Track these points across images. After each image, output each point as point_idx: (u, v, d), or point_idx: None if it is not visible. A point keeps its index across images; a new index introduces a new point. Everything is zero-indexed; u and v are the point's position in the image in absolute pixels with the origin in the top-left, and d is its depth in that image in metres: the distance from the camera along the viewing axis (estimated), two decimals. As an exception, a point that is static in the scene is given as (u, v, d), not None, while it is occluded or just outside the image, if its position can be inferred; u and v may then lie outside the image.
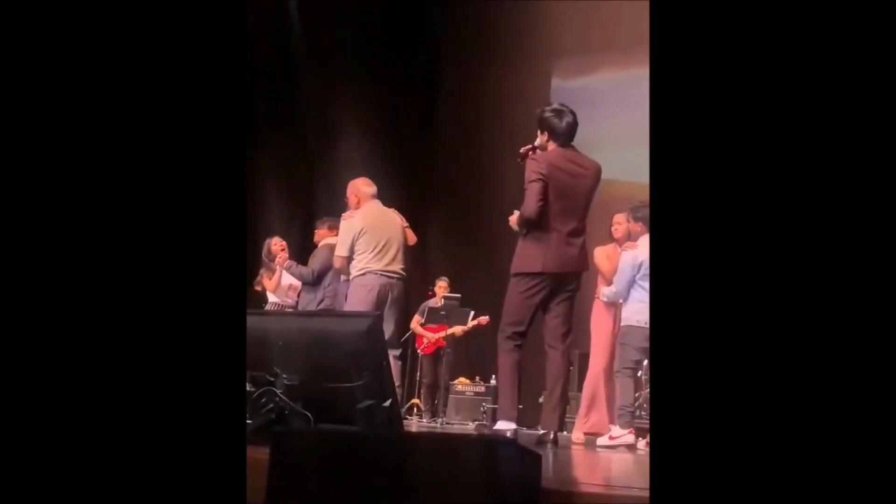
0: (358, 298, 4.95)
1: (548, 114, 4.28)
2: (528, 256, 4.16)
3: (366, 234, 5.02)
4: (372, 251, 5.01)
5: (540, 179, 4.10)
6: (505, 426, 4.06)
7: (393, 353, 5.17)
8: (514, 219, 4.22)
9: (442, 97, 9.61)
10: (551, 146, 4.25)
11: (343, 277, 5.48)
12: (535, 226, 4.13)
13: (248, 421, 2.99)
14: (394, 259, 5.06)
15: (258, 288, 7.29)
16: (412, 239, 5.26)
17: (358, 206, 5.18)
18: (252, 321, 3.58)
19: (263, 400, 2.94)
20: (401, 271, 5.13)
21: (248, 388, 3.10)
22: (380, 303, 4.97)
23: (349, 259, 5.06)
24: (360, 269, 5.01)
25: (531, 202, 4.10)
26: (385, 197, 5.48)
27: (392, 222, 5.16)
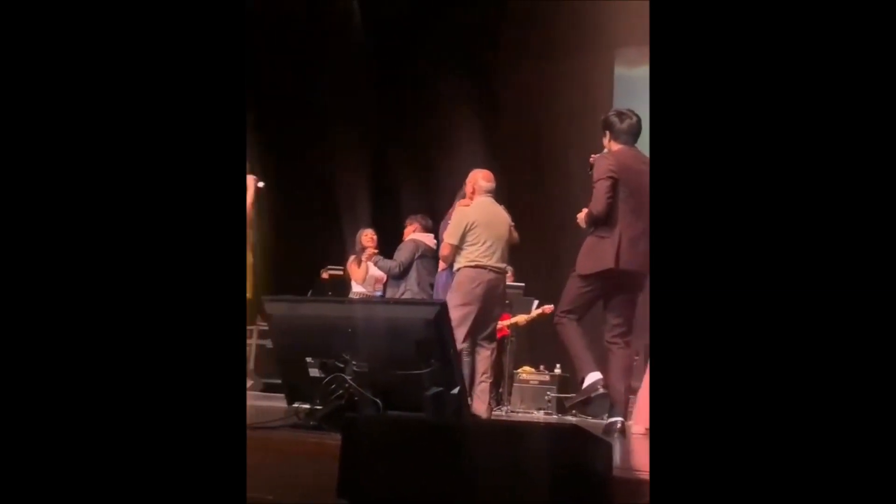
0: (464, 290, 4.97)
1: (612, 116, 4.30)
2: (595, 255, 4.13)
3: (477, 227, 5.04)
4: (483, 245, 5.03)
5: (610, 177, 4.07)
6: (594, 377, 4.03)
7: (490, 347, 5.20)
8: (582, 216, 4.20)
9: (507, 90, 9.58)
10: (615, 146, 4.23)
11: (441, 266, 5.48)
12: (603, 224, 4.10)
13: (317, 407, 3.04)
14: (501, 256, 5.08)
15: (325, 276, 7.40)
16: (516, 238, 5.29)
17: (473, 197, 5.19)
18: (322, 308, 3.64)
19: (333, 386, 2.98)
20: (505, 268, 5.17)
21: (317, 375, 3.15)
22: (486, 298, 5.00)
23: (457, 248, 5.07)
24: (470, 262, 5.02)
25: (600, 200, 4.07)
26: (453, 190, 5.49)
27: (502, 219, 5.18)
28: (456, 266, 5.12)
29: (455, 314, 4.77)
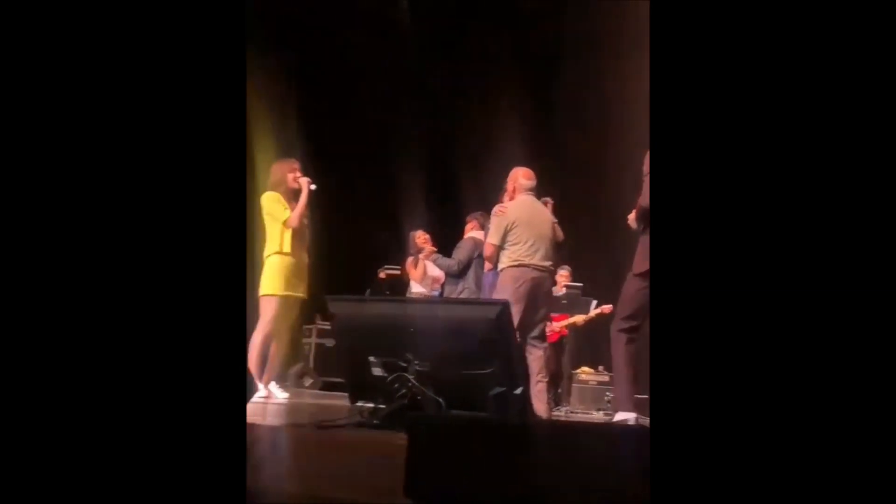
0: (508, 290, 4.91)
1: None
2: (649, 255, 4.07)
3: (518, 226, 5.00)
4: (525, 243, 4.99)
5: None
6: (624, 416, 3.99)
7: (542, 346, 5.17)
8: (632, 216, 4.14)
9: (563, 90, 9.52)
10: None
11: (487, 266, 5.48)
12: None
13: (381, 406, 3.06)
14: (545, 254, 5.05)
15: (382, 276, 7.44)
16: (560, 235, 5.25)
17: (513, 195, 5.18)
18: (384, 308, 3.66)
19: (396, 385, 2.99)
20: (550, 267, 5.13)
21: (380, 374, 3.16)
22: (530, 296, 4.96)
23: (500, 248, 5.06)
24: (513, 261, 4.98)
25: (648, 196, 4.01)
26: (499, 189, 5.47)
27: (544, 217, 5.14)
28: (500, 266, 5.08)
29: None
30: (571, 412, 7.49)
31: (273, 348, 5.05)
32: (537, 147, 7.76)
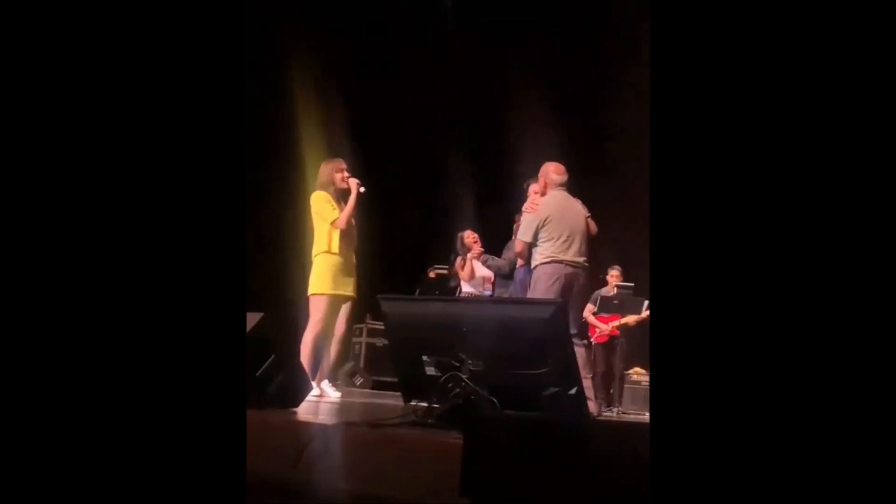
0: (543, 287, 4.89)
1: None
2: None
3: (550, 222, 4.95)
4: (557, 240, 4.94)
5: None
6: None
7: (582, 343, 5.14)
8: None
9: (609, 87, 9.44)
10: None
11: (519, 263, 5.46)
12: None
13: (434, 405, 3.05)
14: (578, 249, 5.00)
15: (432, 275, 7.46)
16: (594, 229, 5.19)
17: (545, 191, 5.14)
18: (436, 307, 3.65)
19: (450, 385, 2.98)
20: (584, 262, 5.07)
21: (433, 373, 3.16)
22: (564, 292, 4.91)
23: (531, 245, 5.02)
24: (546, 258, 4.94)
25: None
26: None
27: (576, 212, 5.09)
28: (533, 263, 5.02)
29: None
30: (623, 413, 7.42)
31: (325, 347, 5.10)
32: (581, 144, 7.72)
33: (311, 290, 5.06)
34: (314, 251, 5.15)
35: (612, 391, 7.67)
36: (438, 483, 2.12)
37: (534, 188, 5.38)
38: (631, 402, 7.71)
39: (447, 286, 7.02)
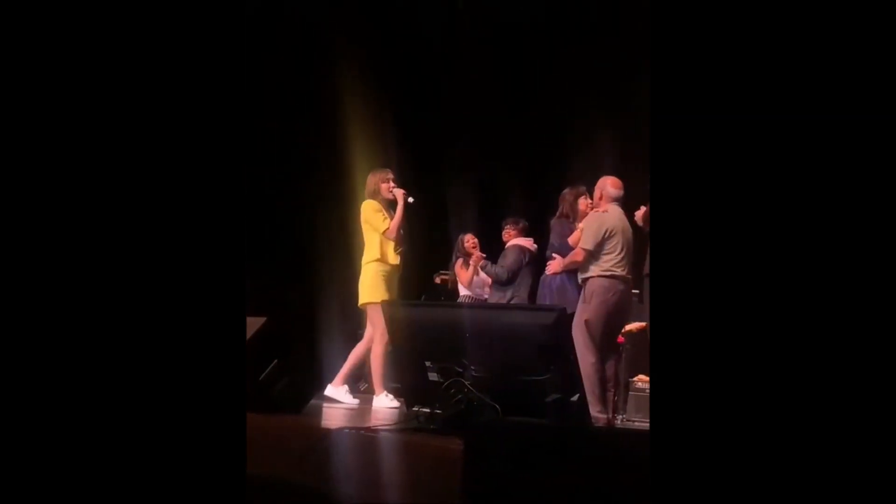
0: (600, 300, 4.80)
1: None
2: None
3: (616, 235, 4.86)
4: (620, 253, 4.85)
5: None
6: None
7: (614, 357, 5.12)
8: (639, 214, 4.08)
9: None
10: None
11: (552, 269, 5.31)
12: None
13: (437, 411, 3.06)
14: (631, 267, 4.94)
15: (437, 280, 7.45)
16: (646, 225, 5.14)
17: (600, 205, 5.02)
18: (439, 313, 3.66)
19: (452, 391, 2.99)
20: (630, 279, 5.04)
21: (436, 379, 3.17)
22: (617, 307, 4.88)
23: (592, 254, 4.89)
24: (605, 271, 4.85)
25: None
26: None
27: (629, 228, 5.00)
28: (585, 274, 4.93)
29: (589, 327, 4.66)
30: (627, 420, 7.40)
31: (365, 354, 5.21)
32: (577, 150, 7.71)
33: (365, 298, 5.14)
34: (364, 259, 5.23)
35: (616, 398, 7.64)
36: (440, 488, 2.13)
37: (585, 201, 5.34)
38: (635, 409, 7.68)
39: (451, 291, 7.01)
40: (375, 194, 5.24)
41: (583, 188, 5.49)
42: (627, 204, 5.12)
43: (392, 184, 5.27)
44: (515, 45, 8.80)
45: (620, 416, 7.39)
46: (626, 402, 7.62)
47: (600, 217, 4.92)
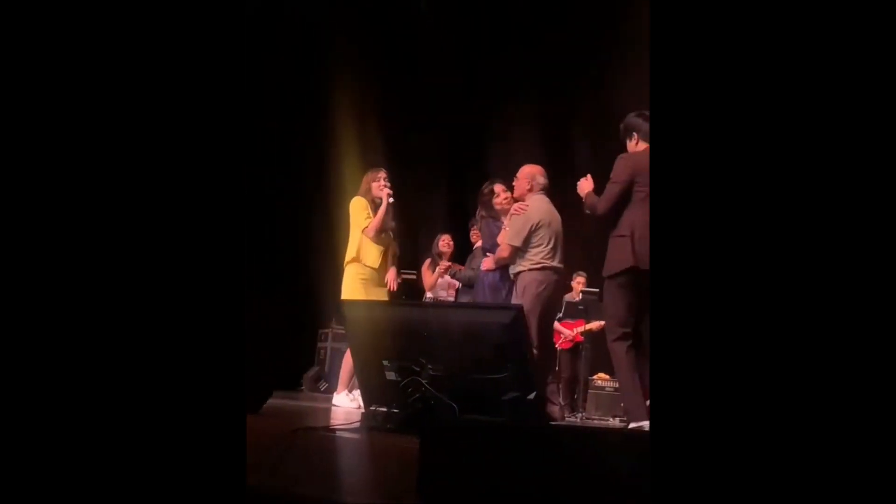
0: (532, 293, 4.82)
1: (635, 118, 4.12)
2: (615, 256, 4.04)
3: (542, 227, 4.89)
4: (548, 245, 4.89)
5: (626, 181, 3.95)
6: (638, 425, 3.93)
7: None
8: (585, 187, 4.17)
9: (581, 92, 9.51)
10: (642, 146, 4.05)
11: (486, 266, 5.32)
12: (614, 224, 4.03)
13: (394, 410, 3.05)
14: (562, 256, 4.96)
15: (399, 280, 7.44)
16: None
17: (526, 194, 5.05)
18: (398, 312, 3.65)
19: (410, 390, 2.98)
20: (563, 269, 5.04)
21: (394, 378, 3.15)
22: (550, 299, 4.90)
23: (519, 251, 4.92)
24: (535, 264, 4.88)
25: (608, 201, 4.02)
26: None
27: (557, 217, 5.02)
28: (517, 269, 4.96)
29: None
30: (587, 418, 7.46)
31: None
32: (549, 148, 7.75)
33: (343, 297, 5.08)
34: (346, 258, 5.20)
35: (576, 396, 7.70)
36: (396, 488, 2.12)
37: (504, 192, 5.35)
38: (595, 407, 7.74)
39: (413, 291, 7.00)
40: (367, 192, 5.23)
41: (496, 184, 5.52)
42: (551, 192, 5.14)
43: (382, 182, 5.23)
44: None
45: (580, 414, 7.46)
46: (585, 400, 7.69)
47: (525, 212, 4.93)
